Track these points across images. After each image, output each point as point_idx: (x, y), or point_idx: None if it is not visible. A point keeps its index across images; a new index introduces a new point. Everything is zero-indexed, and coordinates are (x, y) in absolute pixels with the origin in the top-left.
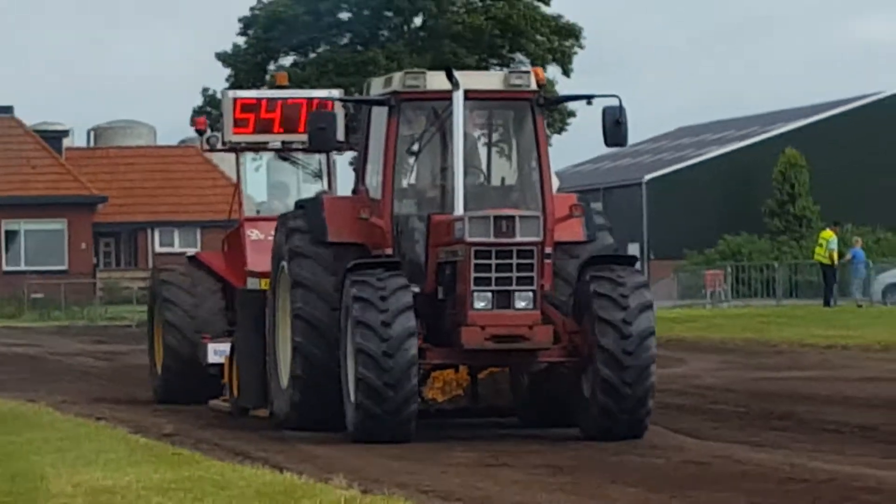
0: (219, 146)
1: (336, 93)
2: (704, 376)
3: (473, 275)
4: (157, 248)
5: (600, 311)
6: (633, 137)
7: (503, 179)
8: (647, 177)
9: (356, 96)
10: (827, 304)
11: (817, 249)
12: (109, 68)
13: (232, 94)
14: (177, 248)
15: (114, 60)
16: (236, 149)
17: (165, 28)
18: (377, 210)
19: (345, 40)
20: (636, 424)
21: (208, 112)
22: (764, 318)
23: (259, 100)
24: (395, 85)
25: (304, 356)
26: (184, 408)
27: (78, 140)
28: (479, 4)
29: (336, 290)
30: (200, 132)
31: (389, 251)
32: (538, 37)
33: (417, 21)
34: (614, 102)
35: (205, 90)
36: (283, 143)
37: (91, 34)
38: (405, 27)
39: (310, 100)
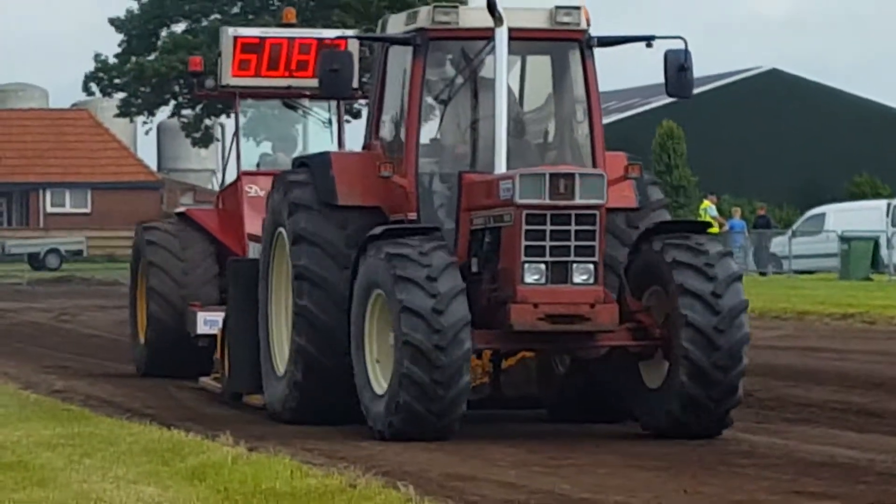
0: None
1: (350, 33)
2: None
3: (524, 243)
4: (49, 209)
5: (685, 282)
6: None
7: (546, 133)
8: None
9: (376, 34)
10: None
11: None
12: (3, 31)
13: (232, 31)
14: (67, 209)
15: (7, 23)
16: (235, 93)
17: None
18: (399, 167)
19: (235, 9)
20: (721, 417)
21: (99, 77)
22: None
23: (263, 38)
24: (422, 21)
25: (310, 324)
26: (73, 366)
27: None
28: None
29: (348, 247)
30: (196, 73)
31: (413, 215)
32: (424, 6)
33: None
34: (679, 45)
35: (97, 55)
36: (289, 87)
37: None
38: None
39: (321, 40)
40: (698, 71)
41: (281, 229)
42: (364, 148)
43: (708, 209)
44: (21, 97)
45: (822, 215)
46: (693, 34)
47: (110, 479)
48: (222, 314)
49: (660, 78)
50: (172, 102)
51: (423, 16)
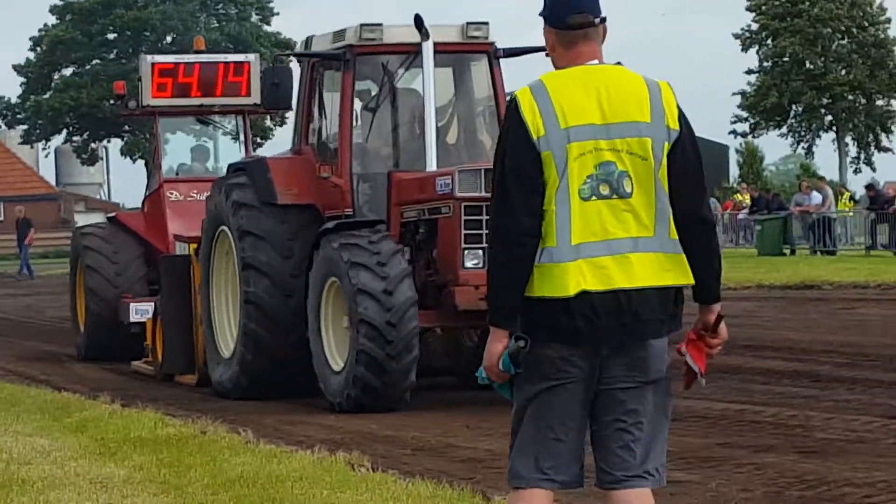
0: (137, 111)
1: (252, 56)
2: None
3: (464, 232)
4: None
5: None
6: None
7: (457, 135)
8: None
9: (305, 51)
10: None
11: None
12: None
13: (150, 58)
14: None
15: None
16: (155, 112)
17: None
18: (335, 169)
19: (112, 55)
20: None
21: (4, 114)
22: None
23: (177, 64)
24: (350, 39)
25: (256, 342)
26: None
27: None
28: (216, 24)
29: (289, 239)
30: (120, 96)
31: (350, 211)
32: (262, 49)
33: (168, 39)
34: None
35: (0, 97)
36: (201, 105)
37: None
38: (159, 44)
39: (226, 63)
40: None
41: (223, 228)
42: (294, 153)
43: None
44: None
45: None
46: None
47: (10, 433)
48: (152, 304)
49: None
50: (65, 131)
51: (351, 34)
